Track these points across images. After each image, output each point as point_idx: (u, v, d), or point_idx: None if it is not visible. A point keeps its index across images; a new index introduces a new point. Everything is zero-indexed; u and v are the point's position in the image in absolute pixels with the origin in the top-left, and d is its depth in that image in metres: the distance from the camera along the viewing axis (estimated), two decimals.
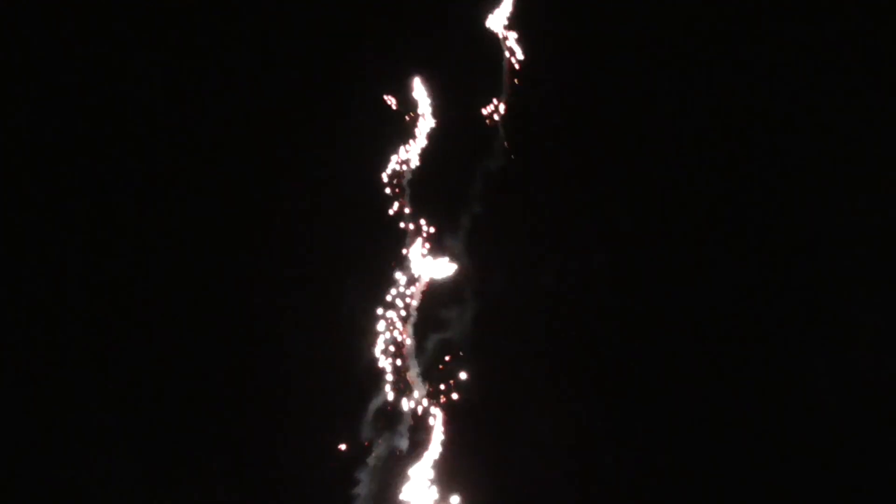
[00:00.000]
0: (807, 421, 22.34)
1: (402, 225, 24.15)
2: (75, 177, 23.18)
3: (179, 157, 23.65)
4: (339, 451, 22.75)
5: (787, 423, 22.43)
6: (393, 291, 23.73)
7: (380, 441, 22.99)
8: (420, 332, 23.69)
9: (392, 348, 23.44)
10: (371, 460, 22.86)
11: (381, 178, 24.25)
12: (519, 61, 24.66)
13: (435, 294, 23.82)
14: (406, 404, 23.23)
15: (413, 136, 24.54)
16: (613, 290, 23.65)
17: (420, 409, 23.19)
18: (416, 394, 23.30)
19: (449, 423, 22.97)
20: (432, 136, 24.63)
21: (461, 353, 23.37)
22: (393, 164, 24.33)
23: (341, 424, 22.91)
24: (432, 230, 24.10)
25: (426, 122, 24.64)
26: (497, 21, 24.74)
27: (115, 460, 21.83)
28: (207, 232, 23.39)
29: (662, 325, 23.37)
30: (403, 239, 24.04)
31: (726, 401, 22.84)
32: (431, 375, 23.36)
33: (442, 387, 23.23)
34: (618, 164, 24.22)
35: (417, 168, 24.44)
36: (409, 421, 23.15)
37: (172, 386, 22.78)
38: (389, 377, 23.30)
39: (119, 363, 22.63)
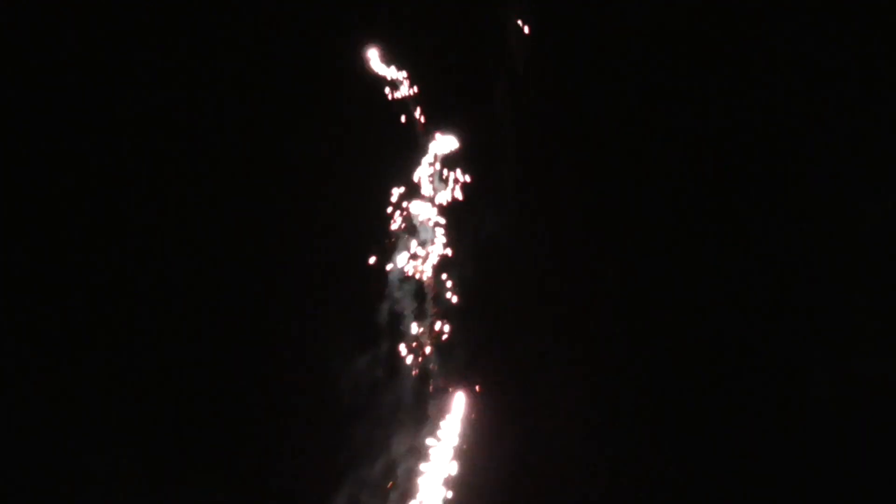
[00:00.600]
0: (808, 423, 22.41)
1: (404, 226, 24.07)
2: (70, 176, 23.16)
3: (172, 156, 23.59)
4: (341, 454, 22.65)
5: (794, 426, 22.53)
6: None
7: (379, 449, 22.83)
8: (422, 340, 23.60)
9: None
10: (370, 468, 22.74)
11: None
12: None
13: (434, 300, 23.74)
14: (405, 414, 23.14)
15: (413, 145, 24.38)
16: (615, 291, 23.65)
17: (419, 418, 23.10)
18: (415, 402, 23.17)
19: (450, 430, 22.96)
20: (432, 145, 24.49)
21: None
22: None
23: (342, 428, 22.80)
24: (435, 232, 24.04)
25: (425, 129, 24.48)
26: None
27: (114, 460, 21.84)
28: (204, 232, 23.33)
29: (665, 328, 23.36)
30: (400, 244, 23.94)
31: (731, 401, 22.94)
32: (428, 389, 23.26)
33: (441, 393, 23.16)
34: (624, 171, 24.21)
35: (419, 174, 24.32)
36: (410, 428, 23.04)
37: (172, 387, 22.72)
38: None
39: (116, 364, 22.61)
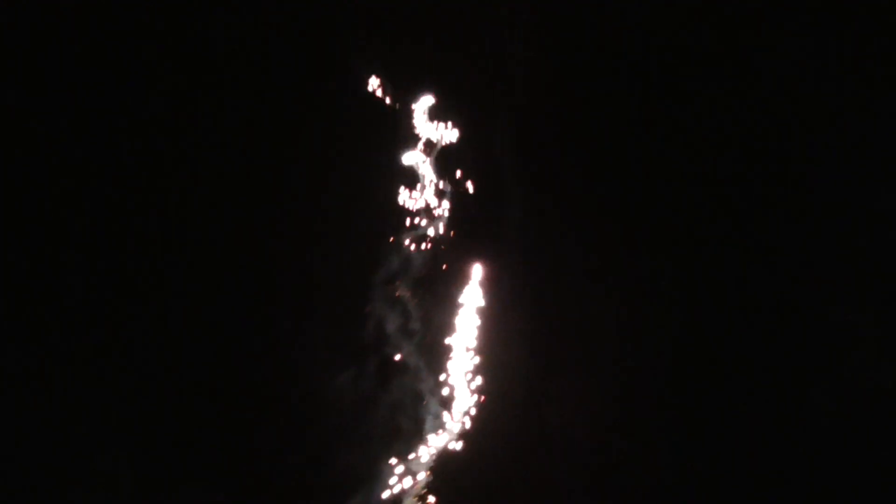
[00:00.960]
0: (808, 427, 22.38)
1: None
2: (69, 177, 23.18)
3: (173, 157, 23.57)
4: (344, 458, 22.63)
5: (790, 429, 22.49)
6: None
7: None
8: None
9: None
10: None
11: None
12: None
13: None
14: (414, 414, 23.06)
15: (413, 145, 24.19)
16: (616, 298, 23.56)
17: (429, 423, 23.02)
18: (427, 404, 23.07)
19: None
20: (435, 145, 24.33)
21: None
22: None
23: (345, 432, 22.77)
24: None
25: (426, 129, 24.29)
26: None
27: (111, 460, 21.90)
28: (200, 233, 23.31)
29: (667, 332, 23.28)
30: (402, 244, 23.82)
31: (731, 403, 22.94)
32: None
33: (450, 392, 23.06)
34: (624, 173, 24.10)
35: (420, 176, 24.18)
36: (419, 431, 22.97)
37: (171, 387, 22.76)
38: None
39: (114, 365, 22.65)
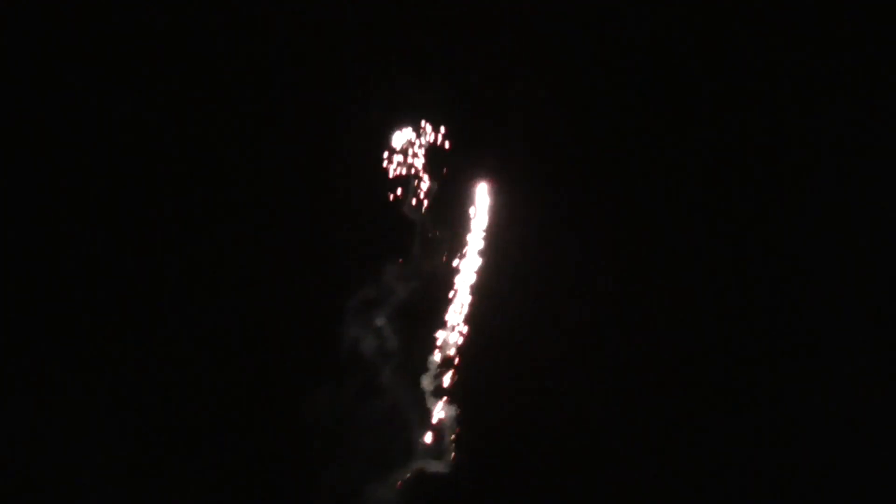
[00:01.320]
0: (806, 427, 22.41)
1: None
2: (65, 177, 23.19)
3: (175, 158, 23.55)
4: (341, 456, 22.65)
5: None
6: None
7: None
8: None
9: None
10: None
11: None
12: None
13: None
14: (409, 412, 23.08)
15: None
16: (613, 300, 23.56)
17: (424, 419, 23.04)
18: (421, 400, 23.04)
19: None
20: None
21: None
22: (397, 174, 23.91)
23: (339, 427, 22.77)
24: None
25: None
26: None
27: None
28: (200, 233, 23.33)
29: (664, 332, 23.28)
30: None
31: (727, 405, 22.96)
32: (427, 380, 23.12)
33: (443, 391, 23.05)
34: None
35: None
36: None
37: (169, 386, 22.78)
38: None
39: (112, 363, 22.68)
